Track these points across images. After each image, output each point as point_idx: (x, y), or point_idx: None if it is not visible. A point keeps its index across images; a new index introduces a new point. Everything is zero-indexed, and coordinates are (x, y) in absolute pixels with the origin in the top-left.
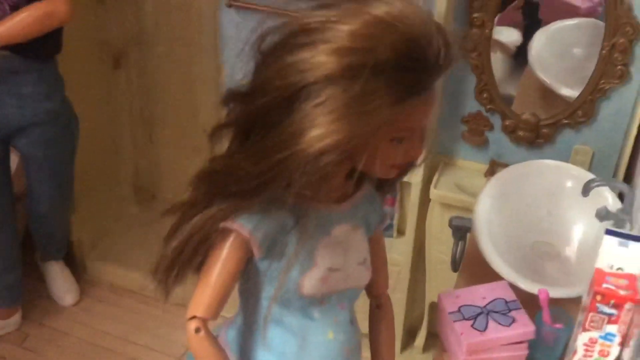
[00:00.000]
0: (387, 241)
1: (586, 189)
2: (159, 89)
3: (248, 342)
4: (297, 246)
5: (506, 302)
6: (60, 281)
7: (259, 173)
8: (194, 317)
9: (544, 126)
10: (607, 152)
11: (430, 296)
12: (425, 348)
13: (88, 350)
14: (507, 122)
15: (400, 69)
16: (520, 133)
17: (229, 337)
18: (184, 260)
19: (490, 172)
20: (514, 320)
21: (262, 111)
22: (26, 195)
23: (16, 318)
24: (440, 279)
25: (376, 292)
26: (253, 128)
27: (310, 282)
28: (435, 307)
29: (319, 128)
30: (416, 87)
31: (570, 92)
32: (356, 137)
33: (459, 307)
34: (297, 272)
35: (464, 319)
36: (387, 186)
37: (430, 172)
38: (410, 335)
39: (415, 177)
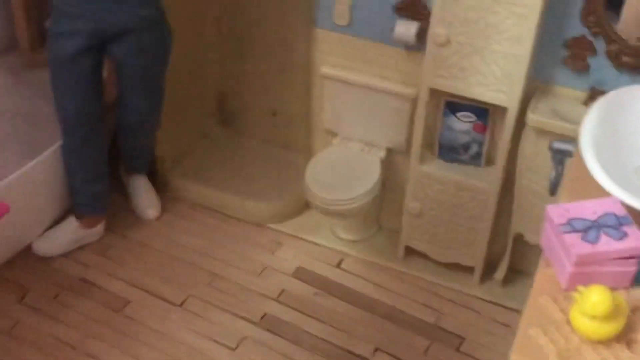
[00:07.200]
0: (475, 170)
1: None
2: (249, 3)
3: None
4: None
5: (617, 216)
6: (143, 195)
7: None
8: None
9: None
10: None
11: (516, 227)
12: (505, 282)
13: (168, 262)
14: (613, 47)
15: None
16: (625, 59)
17: None
18: None
19: (591, 99)
20: (625, 235)
21: None
22: (116, 106)
23: (100, 228)
24: (528, 209)
25: None
26: None
27: None
28: (520, 240)
29: None
30: None
31: None
32: None
33: (569, 220)
34: None
35: (574, 231)
36: None
37: (526, 97)
38: (490, 267)
39: (511, 102)
